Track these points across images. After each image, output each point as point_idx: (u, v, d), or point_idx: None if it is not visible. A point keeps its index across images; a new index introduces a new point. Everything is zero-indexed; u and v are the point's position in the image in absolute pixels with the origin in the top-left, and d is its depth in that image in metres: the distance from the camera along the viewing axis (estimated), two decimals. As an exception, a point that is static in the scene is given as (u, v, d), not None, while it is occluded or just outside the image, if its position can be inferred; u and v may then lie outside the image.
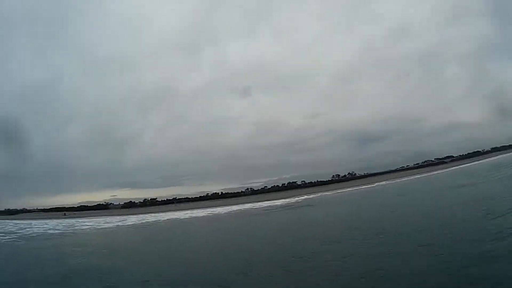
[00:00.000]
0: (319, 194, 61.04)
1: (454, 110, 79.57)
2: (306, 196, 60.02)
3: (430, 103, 72.80)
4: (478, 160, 68.57)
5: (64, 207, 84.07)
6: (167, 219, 56.19)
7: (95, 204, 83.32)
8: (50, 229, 52.25)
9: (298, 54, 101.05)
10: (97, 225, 56.28)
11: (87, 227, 54.84)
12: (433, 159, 69.54)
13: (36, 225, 58.07)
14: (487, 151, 71.54)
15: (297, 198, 59.28)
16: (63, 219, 68.44)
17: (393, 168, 67.17)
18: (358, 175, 67.97)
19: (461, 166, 67.53)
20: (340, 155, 73.98)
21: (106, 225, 55.05)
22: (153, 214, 64.74)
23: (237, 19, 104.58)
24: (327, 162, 72.54)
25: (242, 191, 67.60)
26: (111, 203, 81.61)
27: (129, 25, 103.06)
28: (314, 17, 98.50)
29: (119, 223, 57.81)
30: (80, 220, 65.91)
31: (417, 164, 69.41)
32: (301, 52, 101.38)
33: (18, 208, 79.27)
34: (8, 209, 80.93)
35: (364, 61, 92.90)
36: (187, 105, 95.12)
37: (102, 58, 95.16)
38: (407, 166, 69.06)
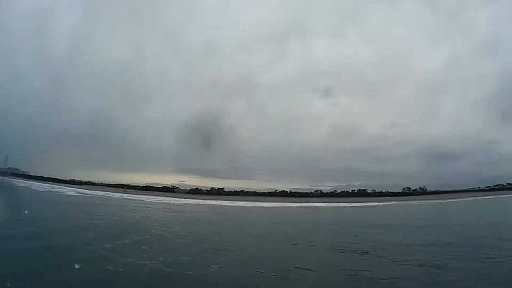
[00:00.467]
0: (389, 203, 63.08)
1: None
2: (376, 203, 62.31)
3: (509, 126, 71.73)
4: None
5: (129, 185, 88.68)
6: (220, 206, 60.34)
7: (161, 186, 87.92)
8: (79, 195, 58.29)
9: (384, 60, 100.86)
10: (144, 199, 61.01)
11: (128, 200, 60.32)
12: (504, 184, 69.04)
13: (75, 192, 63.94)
14: None
15: (368, 204, 61.68)
16: (117, 193, 73.73)
17: (465, 188, 67.48)
18: (429, 190, 68.84)
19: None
20: (413, 169, 74.38)
21: (152, 201, 59.44)
22: (213, 201, 68.78)
23: (327, 17, 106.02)
24: (399, 175, 73.12)
25: (311, 192, 70.79)
26: (177, 187, 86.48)
27: (218, 14, 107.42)
28: (404, 24, 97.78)
29: (172, 202, 62.14)
30: (134, 196, 71.29)
31: (488, 186, 69.19)
32: (388, 59, 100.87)
33: (84, 180, 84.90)
34: (74, 179, 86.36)
35: (449, 75, 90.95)
36: (267, 98, 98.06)
37: (188, 43, 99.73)
38: (478, 187, 69.08)
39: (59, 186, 73.17)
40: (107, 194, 70.26)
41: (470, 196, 64.85)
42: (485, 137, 74.42)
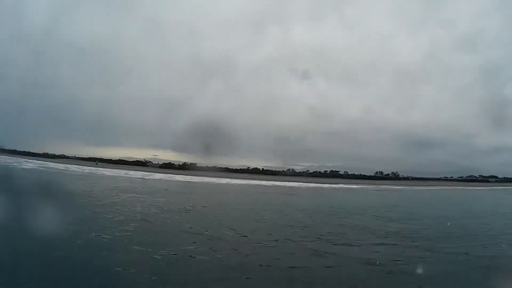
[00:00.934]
0: (359, 186, 62.12)
1: (509, 132, 77.58)
2: (350, 186, 61.24)
3: (486, 120, 71.95)
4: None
5: (102, 158, 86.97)
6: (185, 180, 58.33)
7: (134, 160, 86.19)
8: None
9: (363, 47, 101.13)
10: (105, 173, 58.52)
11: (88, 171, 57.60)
12: (477, 176, 69.01)
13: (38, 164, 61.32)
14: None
15: (340, 185, 60.49)
16: (88, 167, 71.17)
17: (437, 177, 67.16)
18: (401, 176, 68.11)
19: (504, 187, 67.12)
20: (387, 154, 74.35)
21: (115, 175, 56.88)
22: (182, 177, 66.62)
23: (308, 2, 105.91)
24: (373, 159, 72.95)
25: (283, 171, 69.19)
26: (149, 161, 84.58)
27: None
28: (385, 13, 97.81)
29: (137, 176, 59.68)
30: (102, 169, 69.05)
31: (460, 177, 69.02)
32: (367, 46, 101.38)
33: (57, 154, 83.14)
34: (47, 153, 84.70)
35: (428, 66, 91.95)
36: (245, 79, 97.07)
37: (166, 23, 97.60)
38: (451, 177, 68.86)
39: (25, 160, 70.35)
40: (72, 167, 67.08)
41: (444, 185, 64.65)
42: (462, 129, 74.68)
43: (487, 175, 70.21)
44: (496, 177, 70.67)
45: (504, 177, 70.30)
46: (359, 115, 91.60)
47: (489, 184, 67.59)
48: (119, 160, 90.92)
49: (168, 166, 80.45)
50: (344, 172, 68.50)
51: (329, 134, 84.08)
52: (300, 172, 68.94)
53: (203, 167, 78.86)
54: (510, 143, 70.60)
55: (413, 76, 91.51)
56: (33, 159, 71.32)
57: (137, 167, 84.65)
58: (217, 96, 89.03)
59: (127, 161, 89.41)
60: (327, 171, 69.22)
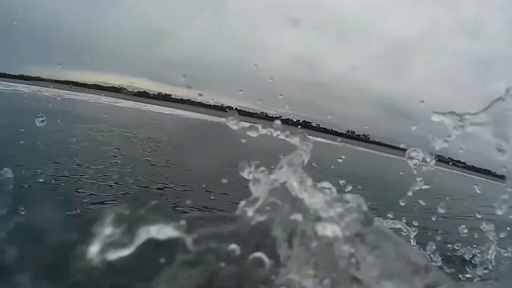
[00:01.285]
0: (328, 141, 60.93)
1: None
2: (320, 140, 59.86)
3: (468, 108, 71.21)
4: (486, 178, 68.34)
5: (78, 82, 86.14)
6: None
7: (109, 86, 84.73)
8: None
9: (362, 8, 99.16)
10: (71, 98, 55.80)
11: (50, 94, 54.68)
12: (446, 157, 68.75)
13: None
14: (498, 175, 70.31)
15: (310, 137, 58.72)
16: (62, 90, 68.17)
17: (406, 147, 66.33)
18: (372, 140, 67.16)
19: (466, 174, 67.52)
20: (363, 115, 74.05)
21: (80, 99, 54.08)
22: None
23: None
24: (348, 116, 72.48)
25: (256, 113, 67.02)
26: (124, 88, 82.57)
27: None
28: None
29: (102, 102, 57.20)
30: (75, 92, 66.73)
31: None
32: (365, 7, 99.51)
33: (32, 76, 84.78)
34: (23, 75, 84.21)
35: (423, 42, 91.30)
36: (235, 18, 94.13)
37: None
38: (421, 152, 68.27)
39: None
40: (43, 90, 63.60)
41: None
42: (442, 110, 74.10)
43: (455, 159, 70.19)
44: (464, 163, 70.59)
45: (472, 166, 70.58)
46: (342, 72, 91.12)
47: (457, 168, 67.76)
48: (94, 85, 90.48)
49: (143, 95, 77.91)
50: (317, 124, 66.83)
51: (308, 84, 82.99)
52: (272, 117, 66.77)
53: (178, 99, 76.77)
54: (483, 135, 70.50)
55: (406, 48, 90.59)
56: (6, 81, 69.33)
57: (111, 93, 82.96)
58: (203, 32, 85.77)
59: (102, 86, 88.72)
60: (299, 120, 67.21)
